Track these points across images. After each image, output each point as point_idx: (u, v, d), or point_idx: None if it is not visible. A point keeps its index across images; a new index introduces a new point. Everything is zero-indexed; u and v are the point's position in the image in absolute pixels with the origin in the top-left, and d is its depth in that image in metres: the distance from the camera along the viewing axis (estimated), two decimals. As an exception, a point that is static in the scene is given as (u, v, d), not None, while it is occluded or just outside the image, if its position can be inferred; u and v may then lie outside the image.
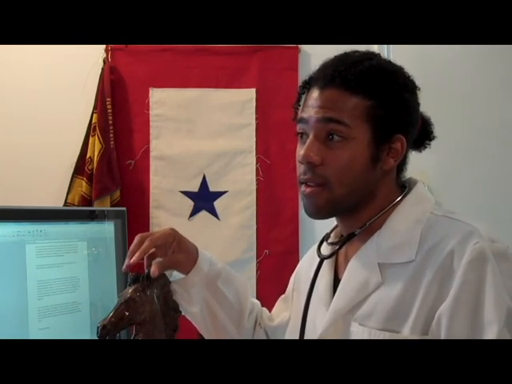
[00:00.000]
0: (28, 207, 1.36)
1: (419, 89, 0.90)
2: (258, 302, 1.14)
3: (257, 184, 2.05)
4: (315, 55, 1.96)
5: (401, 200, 0.89)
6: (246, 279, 1.95)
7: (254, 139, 2.05)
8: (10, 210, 1.32)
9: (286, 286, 1.13)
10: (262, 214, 2.05)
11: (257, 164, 2.05)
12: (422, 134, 0.92)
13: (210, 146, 2.04)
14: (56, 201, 1.93)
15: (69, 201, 1.94)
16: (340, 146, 0.84)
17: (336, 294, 0.89)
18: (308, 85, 0.89)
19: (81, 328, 1.39)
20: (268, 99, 2.05)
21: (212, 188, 2.04)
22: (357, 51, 0.89)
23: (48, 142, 1.98)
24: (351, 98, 0.84)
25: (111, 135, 1.96)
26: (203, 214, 2.04)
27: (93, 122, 1.96)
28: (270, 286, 1.93)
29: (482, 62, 2.08)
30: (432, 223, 0.84)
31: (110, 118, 1.97)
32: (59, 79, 2.00)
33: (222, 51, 2.02)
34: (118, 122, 2.00)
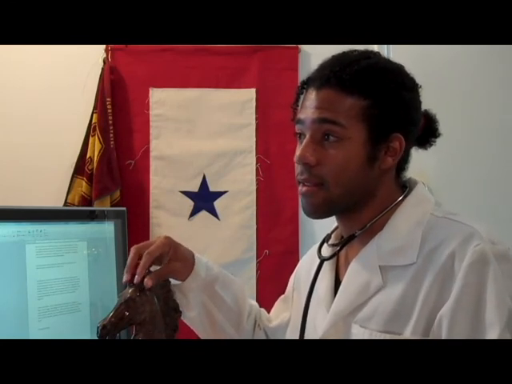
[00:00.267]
0: (28, 207, 1.36)
1: (421, 87, 0.90)
2: (256, 304, 1.14)
3: (257, 184, 2.05)
4: (315, 55, 1.96)
5: (401, 201, 0.88)
6: (246, 279, 1.96)
7: (254, 139, 2.05)
8: (9, 209, 1.32)
9: (286, 286, 1.13)
10: (262, 214, 2.05)
11: (257, 164, 2.05)
12: (426, 132, 0.92)
13: (210, 146, 2.04)
14: (56, 201, 1.93)
15: (69, 201, 1.94)
16: (335, 146, 0.84)
17: (337, 296, 0.88)
18: (306, 85, 0.90)
19: (81, 328, 1.39)
20: (268, 99, 2.05)
21: (212, 188, 2.04)
22: (355, 50, 0.89)
23: (48, 142, 1.98)
24: (346, 98, 0.84)
25: (111, 135, 1.96)
26: (203, 214, 2.03)
27: (93, 122, 1.96)
28: (270, 286, 1.93)
29: (482, 62, 2.08)
30: (433, 225, 0.84)
31: (110, 118, 1.97)
32: (59, 79, 2.00)
33: (222, 51, 2.02)
34: (118, 121, 2.00)
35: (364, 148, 0.84)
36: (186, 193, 2.03)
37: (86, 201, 1.92)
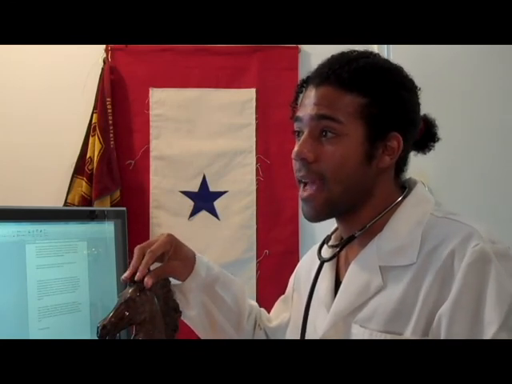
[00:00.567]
0: (28, 207, 1.36)
1: (419, 89, 0.90)
2: (256, 304, 1.14)
3: (257, 184, 2.05)
4: (315, 55, 1.96)
5: (401, 201, 0.88)
6: (246, 279, 1.96)
7: (254, 139, 2.05)
8: (10, 209, 1.32)
9: (286, 286, 1.13)
10: (262, 214, 2.05)
11: (257, 164, 2.05)
12: (425, 136, 0.92)
13: (210, 146, 2.04)
14: (56, 201, 1.93)
15: (69, 201, 1.94)
16: (333, 143, 0.84)
17: (337, 297, 0.89)
18: (305, 84, 0.90)
19: (81, 328, 1.39)
20: (268, 99, 2.05)
21: (212, 188, 2.04)
22: (354, 50, 0.90)
23: (48, 142, 1.98)
24: (345, 95, 0.84)
25: (111, 135, 1.96)
26: (203, 214, 2.04)
27: (93, 122, 1.96)
28: (270, 286, 1.93)
29: (482, 62, 2.08)
30: (432, 225, 0.84)
31: (110, 118, 1.97)
32: (59, 79, 2.00)
33: (222, 51, 2.02)
34: (118, 122, 2.00)
35: (362, 145, 0.84)
36: (185, 193, 2.03)
37: (86, 201, 1.92)
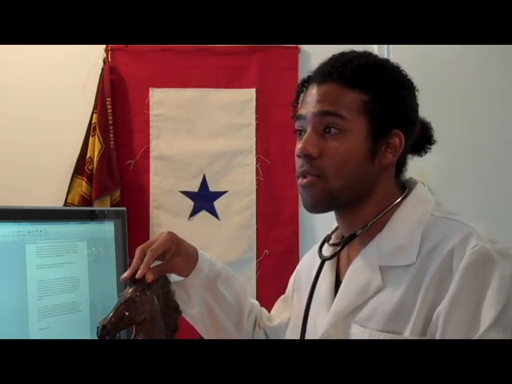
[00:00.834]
0: (28, 207, 1.36)
1: (418, 90, 0.90)
2: (257, 303, 1.14)
3: (257, 184, 2.05)
4: (315, 55, 1.96)
5: (401, 201, 0.89)
6: (246, 279, 1.96)
7: (254, 139, 2.05)
8: (10, 209, 1.32)
9: (286, 286, 1.13)
10: (262, 214, 2.05)
11: (257, 164, 2.05)
12: (421, 139, 0.92)
13: (210, 146, 2.04)
14: (56, 201, 1.93)
15: (69, 201, 1.94)
16: (337, 139, 0.84)
17: (337, 296, 0.89)
18: (306, 83, 0.91)
19: (81, 328, 1.39)
20: (268, 99, 2.05)
21: (212, 188, 2.04)
22: (354, 51, 0.90)
23: (48, 142, 1.98)
24: (348, 92, 0.85)
25: (111, 135, 1.96)
26: (203, 214, 2.04)
27: (93, 122, 1.96)
28: (270, 286, 1.93)
29: (482, 62, 2.08)
30: (432, 225, 0.84)
31: (110, 118, 1.97)
32: (59, 79, 2.00)
33: (222, 51, 2.02)
34: (118, 122, 2.00)
35: (365, 142, 0.85)
36: (186, 193, 2.03)
37: (86, 201, 1.92)
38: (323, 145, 0.85)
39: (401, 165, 0.91)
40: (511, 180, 2.08)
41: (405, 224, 0.86)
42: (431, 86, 1.88)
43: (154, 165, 2.03)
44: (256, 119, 2.05)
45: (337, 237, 0.96)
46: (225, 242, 2.02)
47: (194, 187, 2.04)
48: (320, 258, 0.94)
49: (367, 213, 0.88)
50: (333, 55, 0.90)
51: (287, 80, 1.98)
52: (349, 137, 0.84)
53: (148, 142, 2.03)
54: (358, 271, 0.87)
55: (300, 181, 0.88)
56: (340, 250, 0.91)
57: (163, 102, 2.03)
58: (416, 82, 0.91)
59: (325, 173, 0.85)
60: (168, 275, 0.97)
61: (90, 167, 1.93)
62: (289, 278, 1.13)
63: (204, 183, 2.04)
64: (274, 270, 2.00)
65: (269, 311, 1.14)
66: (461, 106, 2.07)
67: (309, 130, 0.86)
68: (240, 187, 2.05)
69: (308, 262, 1.05)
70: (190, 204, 2.03)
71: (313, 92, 0.87)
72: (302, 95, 0.91)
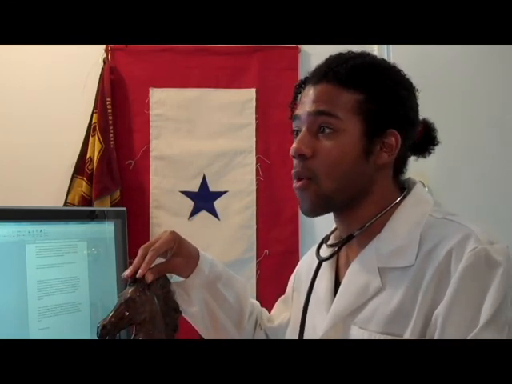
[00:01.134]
0: (28, 207, 1.36)
1: (417, 90, 0.90)
2: (257, 304, 1.14)
3: (257, 184, 2.05)
4: (315, 55, 1.97)
5: (400, 201, 0.88)
6: (246, 279, 1.96)
7: (254, 139, 2.05)
8: (10, 209, 1.32)
9: (286, 286, 1.13)
10: (262, 214, 2.05)
11: (257, 164, 2.05)
12: (424, 139, 0.92)
13: (210, 146, 2.04)
14: (56, 201, 1.93)
15: (69, 201, 1.94)
16: (331, 138, 0.84)
17: (336, 298, 0.88)
18: (304, 84, 0.91)
19: (81, 328, 1.39)
20: (268, 99, 2.05)
21: (212, 188, 2.04)
22: (351, 51, 0.90)
23: (48, 142, 1.98)
24: (343, 91, 0.85)
25: (111, 135, 1.96)
26: (203, 214, 2.04)
27: (93, 122, 1.96)
28: (270, 286, 1.93)
29: (482, 62, 2.08)
30: (431, 226, 0.84)
31: (110, 117, 1.97)
32: (59, 79, 2.00)
33: (222, 51, 2.02)
34: (118, 122, 2.00)
35: (359, 141, 0.85)
36: (186, 193, 2.03)
37: (86, 201, 1.92)
38: (316, 144, 0.85)
39: (400, 165, 0.91)
40: (511, 180, 2.08)
41: (404, 225, 0.86)
42: (431, 86, 1.89)
43: (153, 165, 2.03)
44: (256, 119, 2.06)
45: (335, 238, 0.96)
46: (225, 242, 2.02)
47: (194, 187, 2.04)
48: (317, 258, 0.93)
49: (365, 213, 0.88)
50: (330, 56, 0.90)
51: (287, 80, 1.98)
52: (342, 136, 0.84)
53: (148, 142, 2.03)
54: (357, 273, 0.87)
55: (294, 184, 0.88)
56: (337, 251, 0.91)
57: (163, 102, 2.03)
58: (416, 82, 0.90)
59: (316, 175, 0.85)
60: (169, 275, 0.97)
61: (89, 167, 1.93)
62: (289, 278, 1.13)
63: (204, 183, 2.04)
64: (274, 269, 2.00)
65: (269, 311, 1.14)
66: (461, 106, 2.07)
67: (303, 129, 0.87)
68: (240, 187, 2.05)
69: (308, 261, 1.04)
70: (189, 204, 2.03)
71: (309, 92, 0.87)
72: (299, 96, 0.91)
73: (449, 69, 2.08)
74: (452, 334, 0.74)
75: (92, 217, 1.49)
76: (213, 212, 2.04)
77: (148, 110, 2.03)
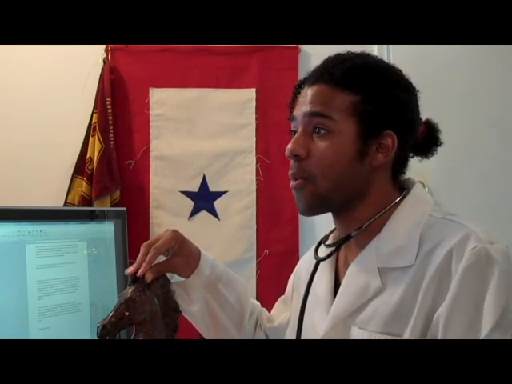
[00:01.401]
0: (28, 207, 1.36)
1: (417, 90, 0.90)
2: (258, 304, 1.14)
3: (257, 184, 2.05)
4: (315, 55, 1.97)
5: (399, 201, 0.88)
6: (246, 279, 1.96)
7: (254, 139, 2.05)
8: (10, 209, 1.32)
9: (286, 286, 1.13)
10: (262, 214, 2.05)
11: (257, 164, 2.05)
12: (427, 140, 0.92)
13: (210, 146, 2.04)
14: (56, 201, 1.93)
15: (69, 201, 1.94)
16: (325, 139, 0.85)
17: (336, 299, 0.88)
18: (302, 85, 0.91)
19: (81, 328, 1.39)
20: (268, 99, 2.05)
21: (212, 188, 2.04)
22: (350, 52, 0.90)
23: (48, 142, 1.98)
24: (338, 93, 0.85)
25: (111, 135, 1.96)
26: (203, 214, 2.04)
27: (93, 122, 1.96)
28: (270, 286, 1.93)
29: (482, 62, 2.08)
30: (430, 226, 0.83)
31: (110, 117, 1.97)
32: (59, 79, 2.00)
33: (222, 51, 2.02)
34: (118, 122, 2.00)
35: (354, 142, 0.85)
36: (186, 193, 2.03)
37: (86, 201, 1.92)
38: (311, 145, 0.85)
39: (399, 166, 0.90)
40: (511, 180, 2.08)
41: (403, 225, 0.86)
42: (431, 86, 1.88)
43: (153, 165, 2.03)
44: (256, 119, 2.06)
45: (334, 238, 0.96)
46: (225, 242, 2.02)
47: (194, 187, 2.04)
48: (315, 258, 0.93)
49: (363, 214, 0.88)
50: (328, 56, 0.90)
51: (287, 80, 1.98)
52: (336, 138, 0.84)
53: (148, 142, 2.03)
54: (357, 273, 0.87)
55: (291, 184, 0.88)
56: (335, 251, 0.91)
57: (163, 102, 2.03)
58: (416, 82, 0.90)
59: (311, 175, 0.85)
60: (169, 276, 0.97)
61: (89, 167, 1.93)
62: (289, 278, 1.13)
63: (204, 183, 2.04)
64: (274, 269, 2.00)
65: (269, 311, 1.14)
66: (461, 106, 2.07)
67: (299, 130, 0.87)
68: (240, 187, 2.05)
69: (307, 261, 1.04)
70: (189, 204, 2.03)
71: (306, 93, 0.88)
72: (298, 97, 0.91)
73: (449, 69, 2.08)
74: (455, 334, 0.74)
75: (92, 217, 1.49)
76: (213, 212, 2.04)
77: (148, 110, 2.03)
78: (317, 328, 0.90)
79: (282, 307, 1.11)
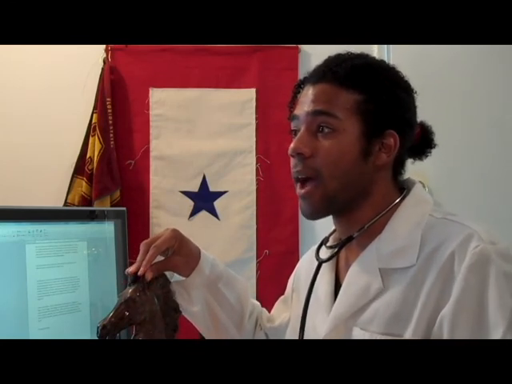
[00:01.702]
0: (28, 207, 1.36)
1: (416, 92, 0.90)
2: (258, 304, 1.14)
3: (257, 184, 2.05)
4: (315, 55, 1.97)
5: (400, 202, 0.88)
6: (246, 279, 1.96)
7: (254, 139, 2.05)
8: (10, 209, 1.32)
9: (286, 286, 1.13)
10: (262, 214, 2.05)
11: (257, 164, 2.05)
12: (422, 142, 0.92)
13: (210, 146, 2.04)
14: (56, 201, 1.93)
15: (69, 201, 1.94)
16: (330, 138, 0.84)
17: (337, 300, 0.88)
18: (302, 84, 0.91)
19: (81, 328, 1.39)
20: (268, 99, 2.05)
21: (212, 188, 2.04)
22: (350, 52, 0.90)
23: (48, 142, 1.98)
24: (342, 91, 0.85)
25: (111, 135, 1.96)
26: (203, 214, 2.04)
27: (93, 122, 1.96)
28: (270, 286, 1.93)
29: (482, 62, 2.08)
30: (431, 226, 0.83)
31: (110, 117, 1.97)
32: (59, 79, 2.00)
33: (222, 51, 2.02)
34: (118, 122, 2.00)
35: (358, 141, 0.85)
36: (186, 193, 2.03)
37: (86, 201, 1.92)
38: (315, 144, 0.85)
39: (398, 166, 0.91)
40: (511, 180, 2.08)
41: (404, 225, 0.85)
42: (431, 87, 1.89)
43: (153, 165, 2.03)
44: (256, 119, 2.06)
45: (334, 239, 0.96)
46: (225, 242, 2.02)
47: (194, 187, 2.04)
48: (317, 260, 0.93)
49: (364, 215, 0.88)
50: (329, 56, 0.91)
51: (287, 80, 1.97)
52: (341, 136, 0.84)
53: (148, 142, 2.03)
54: (358, 274, 0.87)
55: (298, 190, 0.88)
56: (337, 253, 0.91)
57: (163, 102, 2.03)
58: (416, 82, 0.90)
59: (319, 172, 0.85)
60: (169, 276, 0.97)
61: (89, 167, 1.93)
62: (289, 278, 1.13)
63: (204, 183, 2.04)
64: (274, 269, 2.00)
65: (269, 311, 1.14)
66: (461, 106, 2.07)
67: (302, 129, 0.87)
68: (240, 187, 2.05)
69: (307, 261, 1.04)
70: (190, 204, 2.03)
71: (308, 92, 0.87)
72: (298, 96, 0.91)
73: (449, 69, 2.08)
74: (461, 335, 0.74)
75: (92, 217, 1.49)
76: (213, 212, 2.04)
77: (148, 110, 2.03)
78: (318, 329, 0.90)
79: (281, 307, 1.11)
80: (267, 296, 1.25)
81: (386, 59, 0.92)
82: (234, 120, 2.05)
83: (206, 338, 1.06)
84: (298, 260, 1.14)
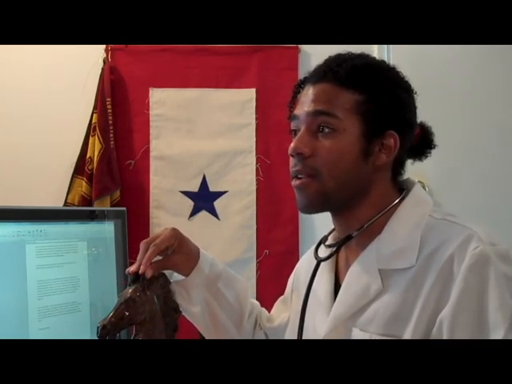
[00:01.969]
0: (28, 207, 1.36)
1: (415, 92, 0.90)
2: (257, 303, 1.14)
3: (257, 184, 2.05)
4: (315, 55, 1.96)
5: (399, 202, 0.88)
6: (246, 279, 1.96)
7: (254, 139, 2.05)
8: (10, 209, 1.32)
9: (286, 286, 1.13)
10: (262, 214, 2.05)
11: (257, 164, 2.05)
12: (422, 143, 0.92)
13: (210, 146, 2.04)
14: (56, 201, 1.93)
15: (69, 201, 1.94)
16: (330, 137, 0.84)
17: (336, 300, 0.88)
18: (302, 84, 0.91)
19: (81, 328, 1.39)
20: (268, 99, 2.05)
21: (212, 188, 2.04)
22: (350, 52, 0.90)
23: (48, 142, 1.98)
24: (342, 91, 0.85)
25: (111, 135, 1.96)
26: (203, 214, 2.04)
27: (93, 122, 1.96)
28: (270, 286, 1.93)
29: (482, 62, 2.08)
30: (431, 227, 0.83)
31: (110, 117, 1.97)
32: (59, 79, 2.00)
33: (222, 51, 2.02)
34: (118, 122, 2.00)
35: (358, 141, 0.85)
36: (186, 193, 2.03)
37: (86, 201, 1.92)
38: (316, 144, 0.85)
39: (398, 166, 0.91)
40: (511, 180, 2.08)
41: (404, 226, 0.85)
42: (431, 87, 1.89)
43: (153, 165, 2.03)
44: (256, 119, 2.05)
45: (333, 238, 0.96)
46: (225, 242, 2.02)
47: (194, 187, 2.04)
48: (316, 259, 0.93)
49: (363, 214, 0.88)
50: (329, 56, 0.91)
51: (287, 80, 1.97)
52: (342, 136, 0.84)
53: (148, 142, 2.03)
54: (358, 274, 0.87)
55: (294, 182, 0.88)
56: (335, 252, 0.91)
57: (163, 102, 2.03)
58: (416, 82, 0.90)
59: (319, 172, 0.85)
60: (168, 275, 0.97)
61: (89, 167, 1.93)
62: (288, 278, 1.13)
63: (204, 183, 2.04)
64: (274, 269, 2.00)
65: (269, 311, 1.14)
66: (461, 106, 2.07)
67: (302, 129, 0.87)
68: (240, 187, 2.05)
69: (307, 261, 1.04)
70: (190, 204, 2.03)
71: (308, 92, 0.87)
72: (298, 96, 0.91)
73: (449, 69, 2.07)
74: (461, 335, 0.74)
75: (92, 217, 1.49)
76: (213, 212, 2.04)
77: (148, 110, 2.03)
78: (317, 329, 0.90)
79: (281, 307, 1.11)
80: (267, 296, 1.25)
81: (386, 59, 0.92)
82: (233, 120, 2.05)
83: (206, 337, 1.06)
84: (297, 260, 1.14)
